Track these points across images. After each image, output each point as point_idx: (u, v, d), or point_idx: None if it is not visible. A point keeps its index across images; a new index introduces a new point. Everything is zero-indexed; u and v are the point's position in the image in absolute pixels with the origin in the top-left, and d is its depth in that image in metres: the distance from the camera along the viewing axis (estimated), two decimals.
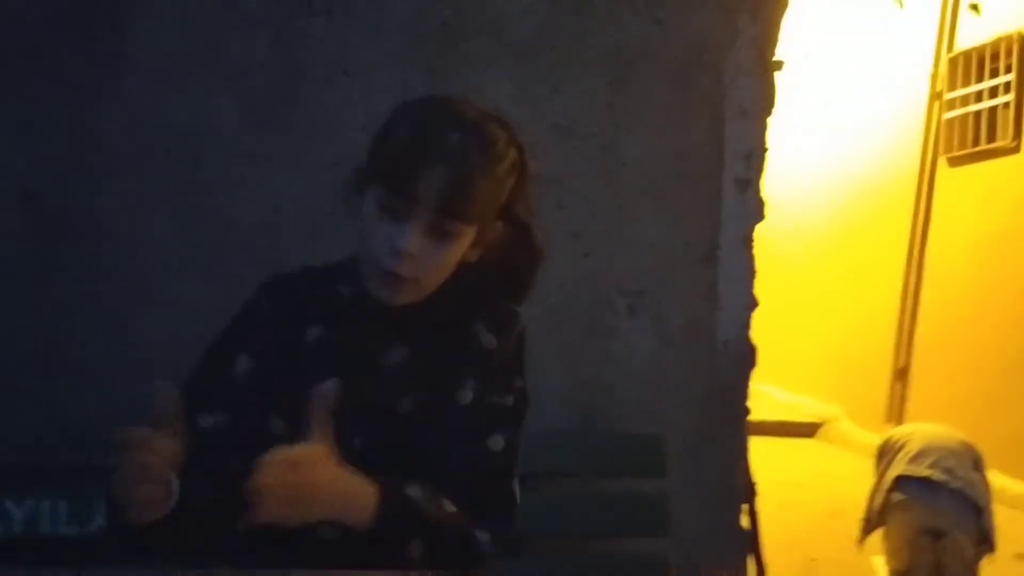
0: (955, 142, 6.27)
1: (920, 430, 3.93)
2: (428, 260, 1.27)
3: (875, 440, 4.75)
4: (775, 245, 7.40)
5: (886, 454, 3.91)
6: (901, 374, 6.57)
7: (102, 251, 2.01)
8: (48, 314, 1.98)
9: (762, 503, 2.62)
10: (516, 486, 1.40)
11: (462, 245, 1.30)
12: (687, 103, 2.24)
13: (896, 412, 6.51)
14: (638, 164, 2.22)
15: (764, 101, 2.29)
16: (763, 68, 2.30)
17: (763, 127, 2.29)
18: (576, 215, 2.20)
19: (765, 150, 2.29)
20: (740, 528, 2.30)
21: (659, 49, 2.23)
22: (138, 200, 2.02)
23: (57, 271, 1.99)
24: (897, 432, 4.04)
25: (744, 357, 2.26)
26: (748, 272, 2.26)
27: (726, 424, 2.25)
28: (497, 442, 1.39)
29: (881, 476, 3.84)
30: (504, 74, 2.17)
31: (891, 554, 3.77)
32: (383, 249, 1.26)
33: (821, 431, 7.13)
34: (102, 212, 2.01)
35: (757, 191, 2.27)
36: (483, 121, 1.30)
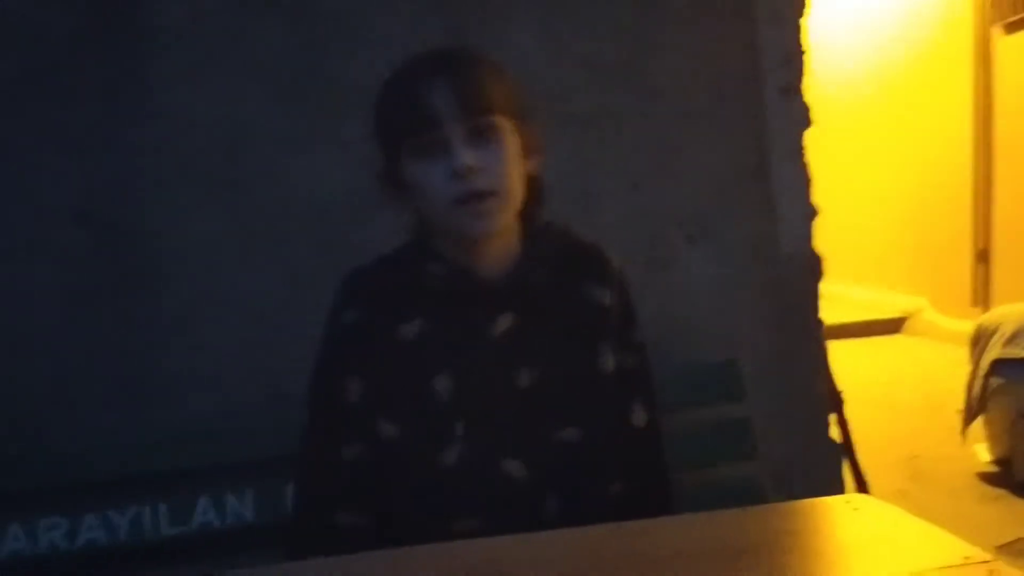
0: (1006, 8, 5.98)
1: (1013, 311, 3.82)
2: (491, 167, 1.22)
3: (963, 328, 4.64)
4: (837, 145, 7.21)
5: (980, 340, 3.82)
6: (982, 256, 6.38)
7: (159, 258, 2.03)
8: (120, 329, 2.02)
9: (856, 406, 2.58)
10: (666, 466, 1.38)
11: (512, 144, 1.26)
12: (717, 17, 2.17)
13: (981, 296, 6.34)
14: (675, 88, 2.16)
15: (797, 1, 2.20)
16: None
17: (799, 29, 2.20)
18: (618, 150, 2.15)
19: (804, 53, 2.21)
20: (830, 440, 2.27)
21: None
22: (185, 202, 2.03)
23: (120, 285, 2.02)
24: (989, 316, 3.94)
25: (811, 268, 2.20)
26: (804, 181, 2.20)
27: (801, 337, 2.21)
28: (639, 416, 1.36)
29: (977, 363, 3.76)
30: (526, 18, 2.13)
31: (993, 441, 3.70)
32: (445, 185, 1.22)
33: (907, 325, 6.99)
34: (153, 220, 2.03)
35: (801, 97, 2.20)
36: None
